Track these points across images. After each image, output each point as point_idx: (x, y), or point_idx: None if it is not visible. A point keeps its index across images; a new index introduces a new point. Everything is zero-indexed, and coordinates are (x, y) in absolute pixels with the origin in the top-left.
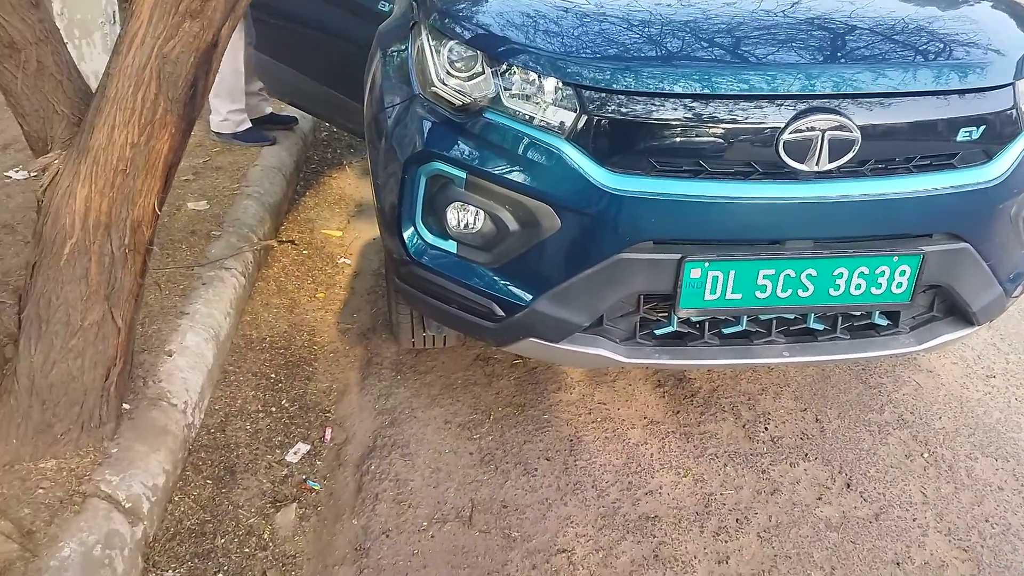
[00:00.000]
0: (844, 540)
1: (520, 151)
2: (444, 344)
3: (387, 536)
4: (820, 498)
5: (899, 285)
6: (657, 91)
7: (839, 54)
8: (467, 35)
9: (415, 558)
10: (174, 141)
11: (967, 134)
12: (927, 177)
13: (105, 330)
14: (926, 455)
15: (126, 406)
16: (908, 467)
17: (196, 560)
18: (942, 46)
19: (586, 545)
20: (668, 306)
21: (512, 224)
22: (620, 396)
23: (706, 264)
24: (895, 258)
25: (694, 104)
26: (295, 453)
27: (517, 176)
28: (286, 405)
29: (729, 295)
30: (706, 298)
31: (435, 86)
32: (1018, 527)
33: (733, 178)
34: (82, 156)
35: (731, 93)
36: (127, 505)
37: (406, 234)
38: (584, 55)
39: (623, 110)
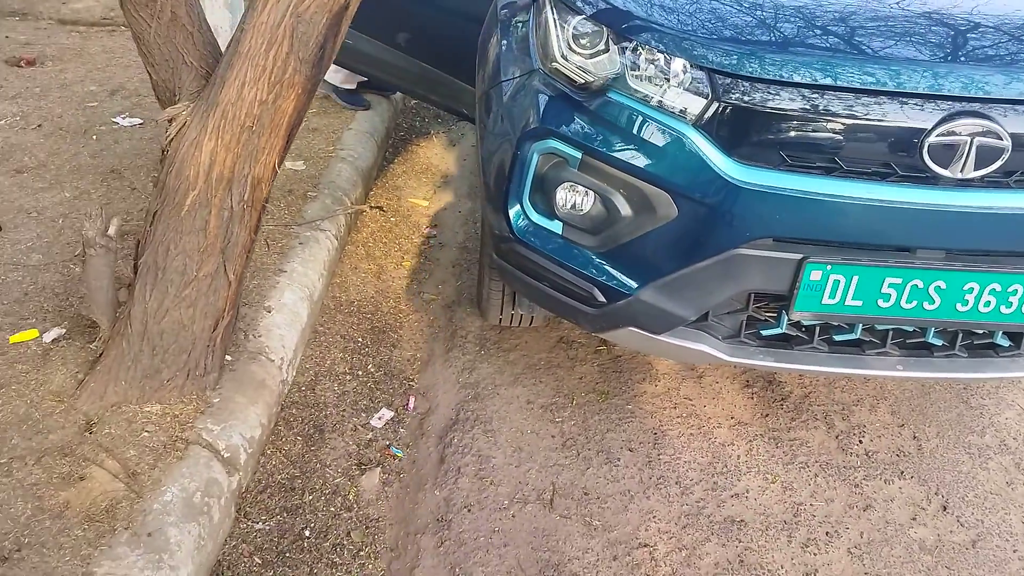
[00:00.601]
0: (938, 564)
1: (641, 134)
2: (530, 323)
3: (468, 510)
4: (915, 518)
5: None
6: (796, 81)
7: (995, 57)
8: (593, 10)
9: (496, 535)
10: (299, 102)
11: None
12: None
13: (217, 282)
14: None
15: (228, 358)
16: (1009, 495)
17: (285, 514)
18: None
19: (669, 542)
20: (779, 306)
21: (624, 209)
22: (707, 393)
23: (828, 267)
24: None
25: (836, 97)
26: (379, 418)
27: (636, 160)
28: (372, 370)
29: (849, 301)
30: (824, 302)
31: (557, 61)
32: None
33: (868, 179)
34: (211, 110)
35: (877, 88)
36: (226, 455)
37: (511, 211)
38: (719, 38)
39: (758, 99)
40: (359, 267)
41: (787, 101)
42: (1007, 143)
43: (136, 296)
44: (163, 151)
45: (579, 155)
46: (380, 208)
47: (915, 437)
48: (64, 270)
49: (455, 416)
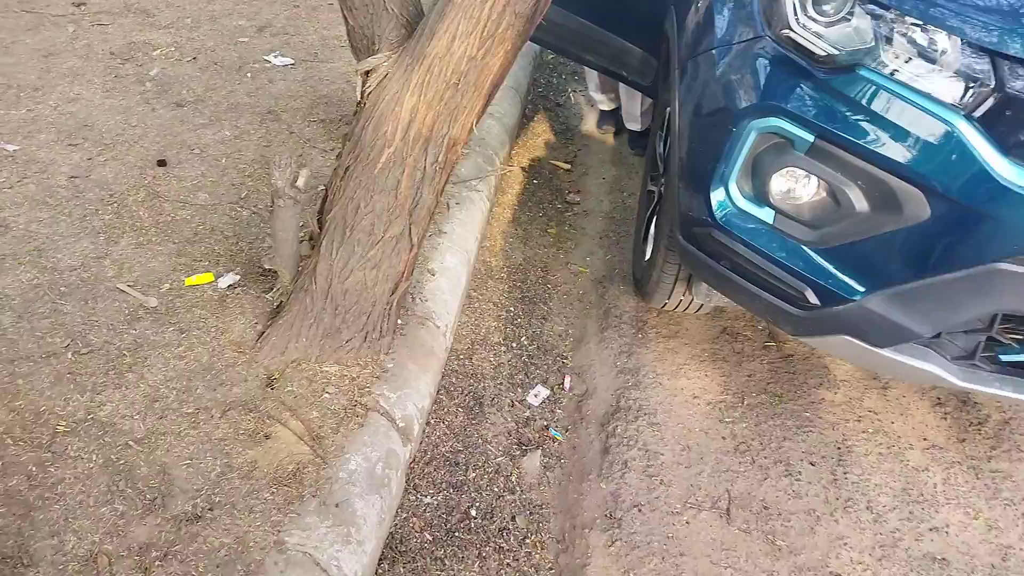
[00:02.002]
0: None
1: (897, 121)
2: (697, 310)
3: (639, 510)
4: None
5: None
6: None
7: None
8: None
9: (671, 542)
10: (506, 59)
11: None
12: None
13: (401, 245)
14: None
15: (399, 321)
16: None
17: (451, 490)
18: None
19: (864, 574)
20: None
21: (860, 203)
22: (893, 407)
23: None
24: None
25: None
26: (535, 396)
27: (885, 150)
28: (525, 343)
29: None
30: None
31: (791, 28)
32: None
33: None
34: (416, 63)
35: None
36: (401, 424)
37: (713, 193)
38: (1007, 14)
39: None
40: (506, 231)
41: None
42: None
43: (322, 252)
44: (358, 104)
45: (811, 138)
46: (523, 169)
47: None
48: (231, 212)
49: (616, 403)
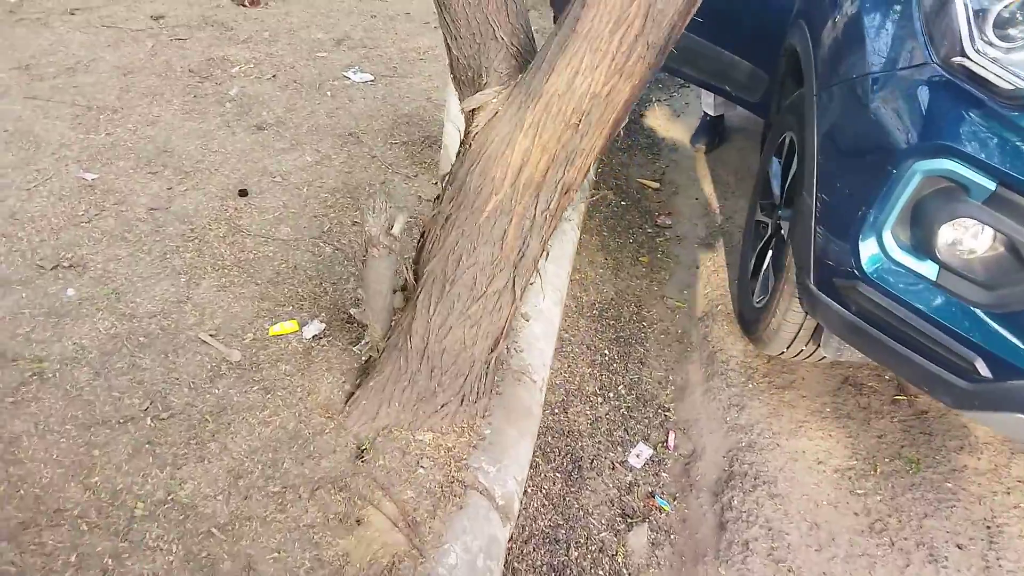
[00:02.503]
0: None
1: None
2: (818, 360)
3: None
4: None
5: None
6: None
7: None
8: None
9: None
10: (633, 95)
11: None
12: None
13: (503, 299)
14: None
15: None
16: None
17: (552, 573)
18: None
19: None
20: None
21: None
22: None
23: None
24: None
25: None
26: (637, 456)
27: None
28: (623, 392)
29: None
30: None
31: (966, 56)
32: None
33: None
34: (531, 101)
35: None
36: (502, 503)
37: (863, 243)
38: None
39: None
40: (595, 260)
41: None
42: None
43: (418, 308)
44: (464, 144)
45: (992, 185)
46: (610, 188)
47: None
48: (314, 248)
49: (729, 468)
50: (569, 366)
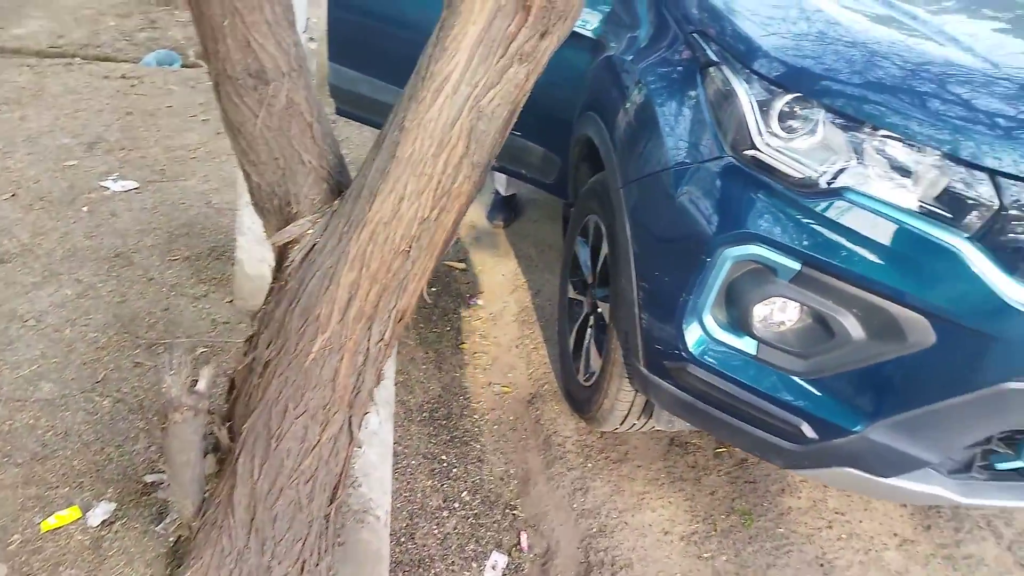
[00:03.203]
0: None
1: (896, 246)
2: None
3: None
4: None
5: None
6: None
7: None
8: (819, 89)
9: None
10: (460, 214)
11: None
12: None
13: (340, 443)
14: None
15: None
16: None
17: None
18: None
19: None
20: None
21: (857, 332)
22: (856, 504)
23: None
24: None
25: None
26: (493, 568)
27: (885, 277)
28: (467, 499)
29: None
30: None
31: (757, 149)
32: None
33: None
34: (354, 230)
35: None
36: None
37: (687, 327)
38: (1000, 130)
39: None
40: (416, 357)
41: None
42: None
43: (240, 473)
44: (278, 280)
45: (797, 266)
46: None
47: None
48: (87, 404)
49: (585, 559)
50: (408, 483)
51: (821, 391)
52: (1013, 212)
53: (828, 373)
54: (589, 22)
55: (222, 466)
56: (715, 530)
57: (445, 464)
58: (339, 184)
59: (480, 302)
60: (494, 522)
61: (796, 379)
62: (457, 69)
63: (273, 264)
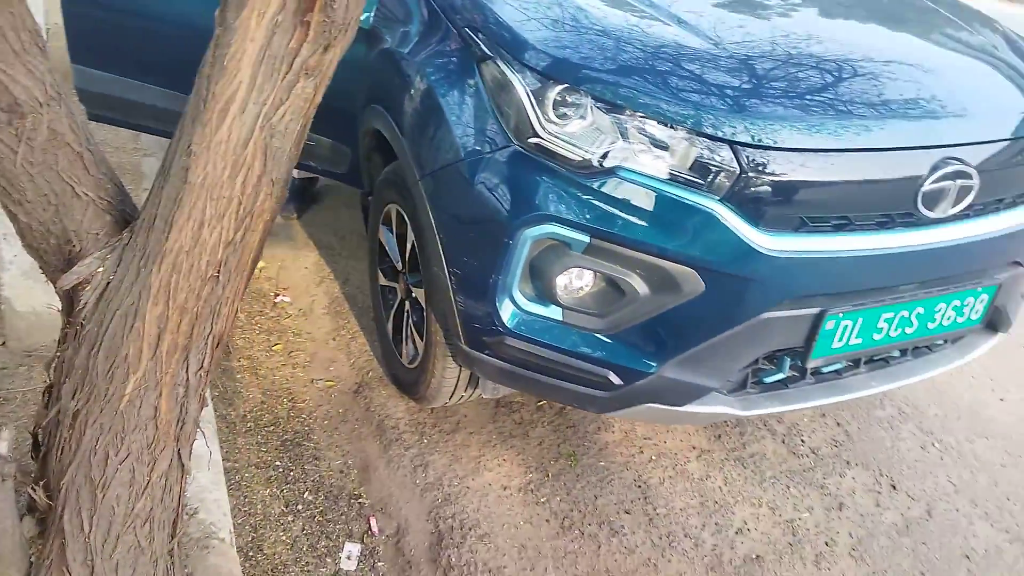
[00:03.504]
0: (916, 544)
1: (662, 213)
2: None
3: None
4: (878, 504)
5: (976, 311)
6: (819, 147)
7: (958, 100)
8: (581, 78)
9: None
10: (267, 230)
11: None
12: (1014, 212)
13: (171, 478)
14: (936, 444)
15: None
16: (928, 459)
17: None
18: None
19: None
20: (793, 356)
21: (642, 289)
22: (660, 429)
23: (841, 315)
24: (979, 289)
25: (851, 159)
26: (348, 558)
27: (657, 240)
28: (309, 499)
29: (852, 341)
30: (834, 346)
31: (539, 137)
32: None
33: (874, 229)
34: (152, 263)
35: (888, 146)
36: None
37: (500, 303)
38: (738, 109)
39: (779, 167)
40: (230, 368)
41: (808, 168)
42: (976, 180)
43: (68, 531)
44: (69, 327)
45: (586, 239)
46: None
47: (839, 424)
48: None
49: (435, 529)
50: (246, 497)
51: (620, 343)
52: (751, 174)
53: (624, 327)
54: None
55: (44, 526)
56: (547, 476)
57: (280, 469)
58: (124, 214)
59: (287, 299)
60: (341, 515)
61: (598, 336)
62: (241, 88)
63: (60, 306)
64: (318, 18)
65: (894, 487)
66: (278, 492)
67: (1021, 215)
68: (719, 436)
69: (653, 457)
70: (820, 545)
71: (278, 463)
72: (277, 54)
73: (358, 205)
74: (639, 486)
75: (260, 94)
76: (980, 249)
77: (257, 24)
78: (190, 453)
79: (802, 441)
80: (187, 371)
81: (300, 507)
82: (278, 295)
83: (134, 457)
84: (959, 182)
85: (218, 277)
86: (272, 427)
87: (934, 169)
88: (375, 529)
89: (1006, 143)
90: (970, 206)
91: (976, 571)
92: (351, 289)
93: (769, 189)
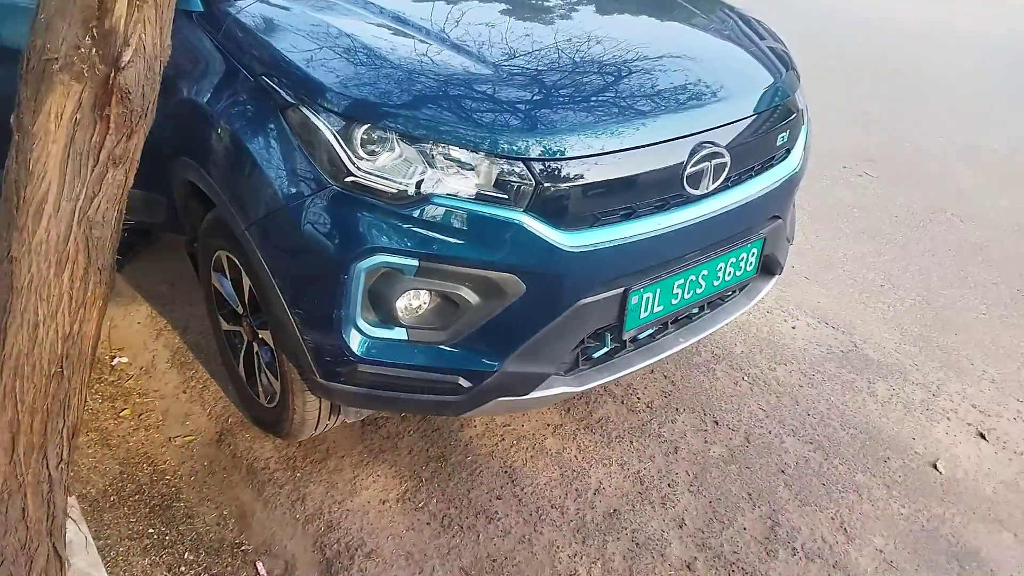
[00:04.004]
0: (742, 468)
1: (477, 229)
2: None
3: None
4: (706, 441)
5: (750, 263)
6: (600, 151)
7: (706, 91)
8: (382, 114)
9: None
10: (102, 314)
11: (782, 138)
12: (764, 177)
13: (51, 572)
14: (745, 378)
15: None
16: (741, 392)
17: None
18: (759, 75)
19: (583, 562)
20: (610, 332)
21: (473, 299)
22: (519, 416)
23: (642, 289)
24: (749, 244)
25: (628, 157)
26: None
27: (478, 254)
28: (191, 558)
29: (655, 309)
30: (641, 316)
31: (353, 176)
32: (827, 413)
33: (654, 212)
34: None
35: (655, 141)
36: None
37: (347, 334)
38: (527, 126)
39: (570, 174)
40: (78, 444)
41: (590, 170)
42: (727, 158)
43: None
44: None
45: (415, 263)
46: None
47: (665, 376)
48: None
49: (323, 557)
50: (126, 571)
51: (463, 349)
52: (546, 184)
53: (464, 335)
54: None
55: None
56: (422, 481)
57: (155, 536)
58: None
59: (124, 359)
60: (226, 567)
61: (443, 347)
62: (52, 188)
63: None
64: (117, 110)
65: (717, 423)
66: (157, 559)
67: (772, 176)
68: (568, 409)
69: (514, 442)
70: (664, 488)
71: (151, 530)
72: (82, 150)
73: (179, 247)
74: (505, 471)
75: (72, 190)
76: (743, 212)
77: (56, 125)
78: (64, 544)
79: (638, 398)
80: (47, 467)
81: (183, 568)
82: (114, 357)
83: (10, 562)
84: (714, 162)
85: (62, 372)
86: (137, 496)
87: (692, 154)
88: (263, 572)
89: (751, 119)
90: (728, 179)
91: (791, 482)
92: (193, 336)
93: (563, 194)
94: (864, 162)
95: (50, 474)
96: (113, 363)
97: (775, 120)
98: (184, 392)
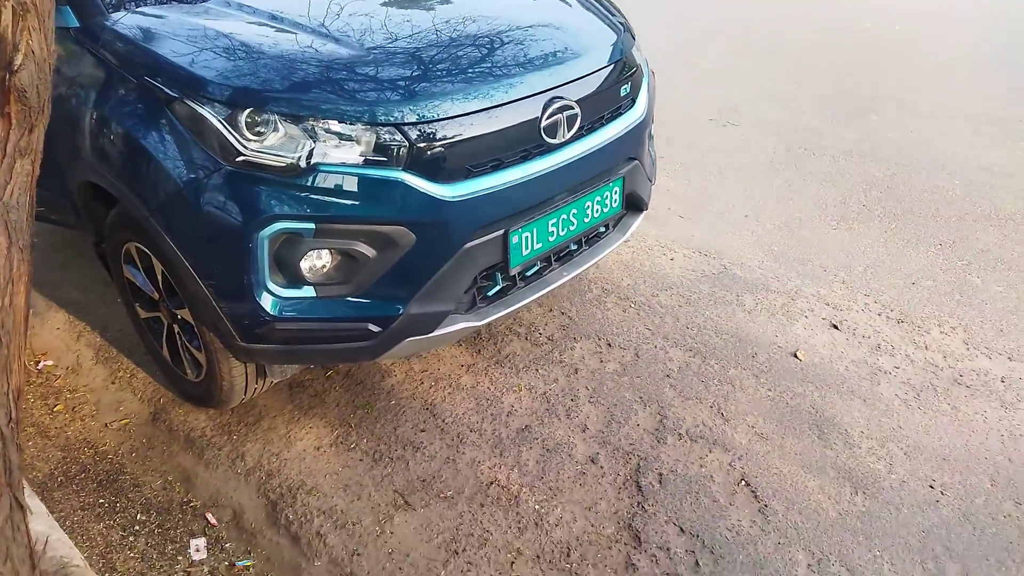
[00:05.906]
0: (633, 379)
1: (364, 190)
2: (266, 388)
3: (357, 555)
4: (602, 361)
5: (615, 200)
6: (464, 112)
7: (552, 54)
8: (264, 99)
9: (395, 556)
10: (28, 288)
11: (625, 90)
12: (614, 124)
13: (15, 519)
14: (633, 305)
15: None
16: (630, 317)
17: None
18: (599, 37)
19: (502, 470)
20: (497, 270)
21: (370, 252)
22: (432, 360)
23: (519, 229)
24: (611, 183)
25: (488, 116)
26: (197, 551)
27: (368, 212)
28: (143, 518)
29: (535, 246)
30: (523, 254)
31: (243, 155)
32: (704, 325)
33: (520, 162)
34: None
35: (510, 100)
36: None
37: (260, 297)
38: (400, 96)
39: (440, 134)
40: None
41: (461, 130)
42: (578, 109)
43: None
44: None
45: (313, 226)
46: None
47: (562, 312)
48: None
49: (268, 500)
50: (82, 536)
51: (369, 298)
52: (420, 145)
53: (367, 285)
54: None
55: None
56: (351, 427)
57: (106, 505)
58: None
59: (50, 362)
60: (178, 521)
61: (350, 298)
62: None
63: None
64: (16, 108)
65: (610, 345)
66: (111, 523)
67: (621, 123)
68: (479, 350)
69: (432, 383)
70: (568, 403)
71: (101, 500)
72: None
73: (87, 255)
74: (427, 408)
75: None
76: (599, 156)
77: None
78: (23, 496)
79: (540, 333)
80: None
81: (137, 527)
82: (39, 361)
83: None
84: (566, 114)
85: (0, 340)
86: (83, 475)
87: (545, 108)
88: (213, 521)
89: (594, 74)
90: (581, 128)
91: (675, 383)
92: (114, 333)
93: (436, 152)
94: (730, 113)
95: (2, 431)
96: (39, 367)
97: (617, 74)
98: (113, 383)
